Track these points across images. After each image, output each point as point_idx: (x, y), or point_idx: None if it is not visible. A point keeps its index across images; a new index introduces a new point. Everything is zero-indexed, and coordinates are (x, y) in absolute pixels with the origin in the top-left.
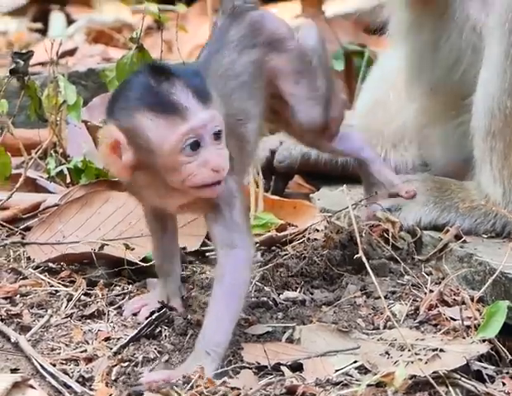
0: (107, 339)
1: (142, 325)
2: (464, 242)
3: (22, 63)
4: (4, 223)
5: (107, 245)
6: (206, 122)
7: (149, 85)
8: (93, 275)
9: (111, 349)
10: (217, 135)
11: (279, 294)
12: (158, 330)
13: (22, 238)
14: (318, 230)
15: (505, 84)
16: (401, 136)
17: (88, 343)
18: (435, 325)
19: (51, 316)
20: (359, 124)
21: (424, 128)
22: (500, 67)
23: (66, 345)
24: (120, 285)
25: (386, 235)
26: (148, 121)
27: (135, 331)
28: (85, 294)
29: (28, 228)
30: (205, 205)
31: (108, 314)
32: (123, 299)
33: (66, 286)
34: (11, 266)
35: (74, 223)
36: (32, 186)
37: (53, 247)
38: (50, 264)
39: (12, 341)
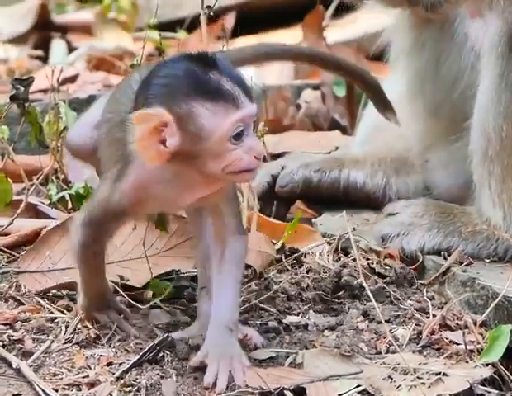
0: (110, 364)
1: (144, 350)
2: (467, 265)
3: (23, 89)
4: (5, 249)
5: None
6: (253, 112)
7: (196, 73)
8: None
9: (114, 374)
10: (253, 127)
11: (281, 319)
12: (160, 355)
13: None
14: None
15: (500, 107)
16: (403, 161)
17: (91, 368)
18: (438, 349)
19: (53, 341)
20: (360, 150)
21: (425, 152)
22: (494, 90)
23: (68, 370)
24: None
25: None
26: (202, 108)
27: (138, 356)
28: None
29: None
30: (219, 198)
31: (110, 339)
32: None
33: (64, 313)
34: (9, 293)
35: (60, 248)
36: (33, 212)
37: (45, 274)
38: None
39: (14, 366)
